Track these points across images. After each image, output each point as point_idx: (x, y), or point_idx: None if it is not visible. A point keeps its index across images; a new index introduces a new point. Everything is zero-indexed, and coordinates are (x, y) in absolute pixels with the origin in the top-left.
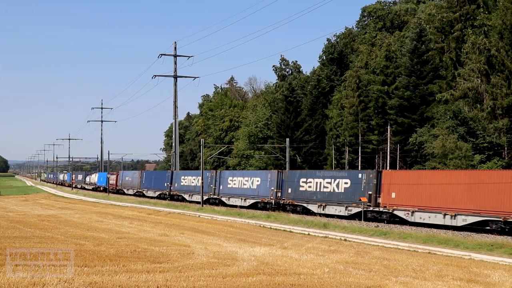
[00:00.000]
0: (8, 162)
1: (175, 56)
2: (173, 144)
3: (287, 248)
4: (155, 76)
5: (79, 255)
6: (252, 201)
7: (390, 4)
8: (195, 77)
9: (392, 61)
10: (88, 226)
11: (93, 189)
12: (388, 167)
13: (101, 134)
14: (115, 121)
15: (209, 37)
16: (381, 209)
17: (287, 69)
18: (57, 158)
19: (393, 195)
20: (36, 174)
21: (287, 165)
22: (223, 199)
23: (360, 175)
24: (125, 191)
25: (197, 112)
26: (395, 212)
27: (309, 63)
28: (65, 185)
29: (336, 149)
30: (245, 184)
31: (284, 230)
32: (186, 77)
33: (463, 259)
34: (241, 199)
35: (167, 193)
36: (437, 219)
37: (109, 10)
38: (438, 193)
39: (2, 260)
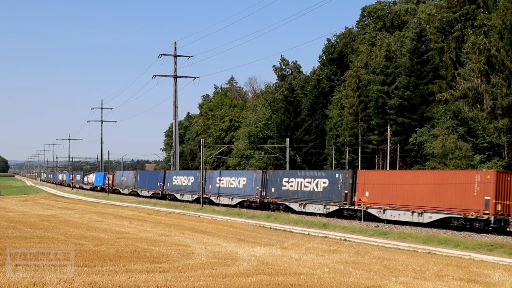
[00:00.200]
0: (8, 162)
1: (175, 56)
2: (173, 144)
3: (287, 248)
4: (155, 76)
5: (79, 255)
6: (238, 200)
7: (390, 4)
8: (195, 77)
9: (392, 61)
10: (88, 226)
11: (90, 189)
12: (388, 167)
13: (101, 134)
14: (115, 121)
15: (209, 37)
16: (356, 207)
17: (287, 69)
18: (57, 158)
19: (367, 193)
20: (36, 174)
21: (287, 165)
22: (212, 198)
23: (337, 175)
24: (121, 190)
25: (197, 112)
26: (369, 210)
27: (309, 63)
28: (64, 185)
29: (336, 149)
30: (232, 184)
31: (284, 230)
32: (186, 77)
33: (463, 259)
34: (229, 198)
35: (160, 192)
36: (406, 216)
37: (109, 10)
38: (407, 192)
39: (2, 260)
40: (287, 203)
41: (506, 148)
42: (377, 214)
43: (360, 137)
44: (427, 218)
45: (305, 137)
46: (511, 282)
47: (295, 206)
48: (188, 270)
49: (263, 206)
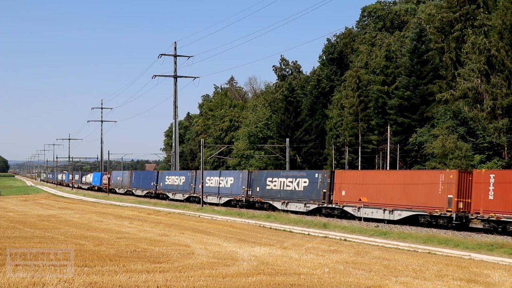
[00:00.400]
0: (8, 162)
1: (175, 56)
2: (173, 144)
3: (287, 248)
4: (155, 76)
5: (79, 255)
6: (226, 199)
7: (390, 4)
8: (195, 77)
9: (392, 61)
10: (88, 226)
11: (88, 188)
12: (388, 167)
13: (101, 134)
14: (115, 121)
15: (209, 37)
16: (333, 205)
17: (287, 69)
18: (57, 158)
19: (343, 193)
20: (36, 174)
21: (287, 165)
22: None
23: (316, 175)
24: (117, 190)
25: (197, 112)
26: (345, 208)
27: (309, 63)
28: (63, 185)
29: (336, 149)
30: (221, 183)
31: (284, 230)
32: (186, 77)
33: (463, 259)
34: (217, 197)
35: (153, 192)
36: (378, 214)
37: (109, 10)
38: (380, 192)
39: (2, 260)
40: (270, 202)
41: (506, 148)
42: (352, 212)
43: (360, 137)
44: (397, 215)
45: (305, 137)
46: (511, 282)
47: (278, 204)
48: (188, 270)
49: (249, 204)
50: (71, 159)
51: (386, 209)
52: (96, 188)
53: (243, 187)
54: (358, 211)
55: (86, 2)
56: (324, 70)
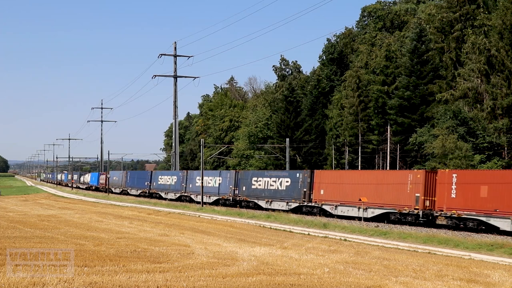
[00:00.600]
0: (8, 162)
1: (175, 56)
2: (173, 144)
3: (287, 248)
4: (155, 76)
5: (79, 255)
6: (214, 198)
7: (390, 4)
8: (195, 77)
9: (392, 61)
10: (88, 226)
11: (86, 188)
12: (388, 167)
13: (101, 134)
14: (115, 121)
15: (209, 37)
16: (313, 204)
17: (287, 69)
18: (57, 158)
19: (322, 192)
20: (36, 174)
21: (287, 165)
22: (192, 196)
23: (298, 175)
24: (113, 189)
25: (197, 112)
26: (323, 207)
27: (309, 63)
28: (62, 185)
29: (336, 149)
30: (209, 183)
31: (284, 230)
32: (186, 77)
33: (463, 259)
34: (206, 196)
35: (147, 191)
36: (353, 212)
37: (109, 10)
38: (355, 191)
39: (2, 260)
40: (255, 201)
41: (506, 148)
42: (330, 210)
43: (360, 137)
44: (370, 213)
45: (305, 137)
46: (511, 282)
47: (262, 203)
48: (188, 270)
49: (236, 203)
50: (71, 159)
51: (360, 208)
52: (93, 188)
53: (231, 186)
54: (336, 209)
55: (86, 2)
56: (324, 70)
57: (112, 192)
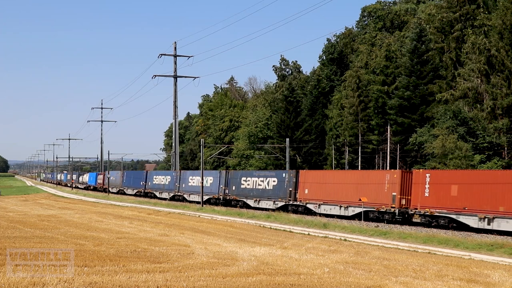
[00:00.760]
0: (8, 162)
1: (175, 56)
2: (173, 144)
3: (287, 248)
4: (155, 76)
5: (79, 255)
6: (206, 197)
7: (390, 4)
8: (195, 77)
9: (392, 61)
10: (88, 226)
11: (84, 188)
12: (388, 167)
13: (101, 134)
14: (115, 121)
15: (209, 37)
16: (298, 203)
17: (287, 69)
18: (57, 158)
19: (306, 191)
20: (36, 174)
21: (287, 165)
22: (185, 195)
23: (284, 175)
24: (110, 189)
25: (197, 112)
26: (308, 205)
27: (309, 63)
28: (62, 185)
29: (336, 149)
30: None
31: (284, 230)
32: (186, 77)
33: (463, 259)
34: (198, 195)
35: (142, 191)
36: (335, 210)
37: (109, 10)
38: (336, 190)
39: (2, 260)
40: (244, 200)
41: (506, 148)
42: (314, 209)
43: (360, 137)
44: (351, 211)
45: (305, 137)
46: (511, 282)
47: (251, 202)
48: (188, 270)
49: (226, 202)
50: (71, 159)
51: (342, 206)
52: (92, 187)
53: (221, 186)
54: (319, 207)
55: (86, 2)
56: (324, 70)
57: (109, 192)
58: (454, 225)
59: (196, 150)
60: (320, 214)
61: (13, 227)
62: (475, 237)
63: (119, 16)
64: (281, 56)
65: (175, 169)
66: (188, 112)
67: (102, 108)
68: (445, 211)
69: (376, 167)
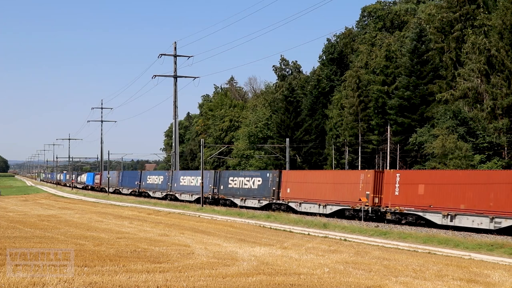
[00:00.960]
0: (8, 162)
1: (175, 56)
2: (173, 144)
3: (287, 248)
4: (155, 76)
5: (79, 255)
6: (196, 196)
7: (390, 4)
8: (195, 77)
9: (392, 61)
10: (88, 226)
11: (83, 188)
12: (388, 167)
13: (101, 134)
14: (115, 121)
15: (209, 37)
16: (281, 201)
17: (287, 69)
18: (57, 158)
19: (288, 190)
20: (36, 174)
21: (287, 165)
22: (176, 195)
23: (268, 174)
24: (107, 189)
25: (197, 112)
26: (290, 204)
27: (309, 63)
28: (61, 184)
29: (336, 149)
30: (192, 182)
31: (284, 230)
32: (186, 77)
33: (463, 259)
34: (189, 194)
35: (137, 190)
36: (315, 208)
37: (109, 10)
38: (316, 189)
39: (2, 260)
40: (232, 199)
41: (506, 148)
42: (295, 207)
43: (360, 137)
44: (329, 209)
45: (305, 137)
46: (511, 282)
47: (237, 201)
48: (188, 270)
49: (215, 201)
50: (71, 159)
51: (321, 204)
52: (89, 187)
53: (210, 185)
54: (300, 206)
55: (86, 2)
56: (324, 70)
57: (106, 191)
58: (423, 222)
59: (196, 150)
60: (301, 212)
61: (13, 227)
62: (475, 237)
63: (119, 16)
64: (281, 56)
65: (175, 169)
66: (188, 112)
67: (102, 108)
68: (413, 208)
69: (376, 167)
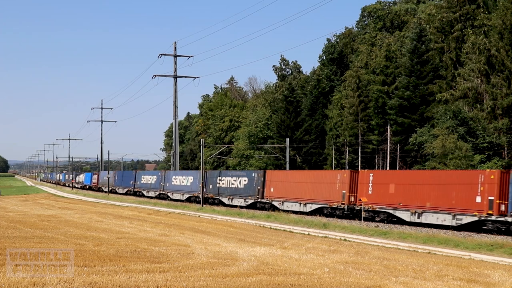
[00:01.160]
0: (8, 162)
1: (175, 56)
2: (173, 144)
3: (287, 248)
4: (155, 76)
5: (79, 255)
6: (187, 195)
7: (390, 4)
8: (195, 77)
9: (392, 61)
10: (88, 226)
11: (81, 187)
12: (388, 167)
13: (101, 134)
14: (115, 121)
15: (209, 37)
16: (265, 200)
17: (287, 69)
18: (57, 158)
19: (272, 189)
20: (36, 174)
21: (287, 165)
22: (168, 194)
23: (253, 174)
24: (103, 188)
25: (197, 112)
26: (273, 203)
27: (309, 63)
28: (60, 184)
29: (336, 149)
30: (183, 182)
31: (284, 230)
32: (186, 77)
33: (463, 259)
34: (181, 194)
35: (132, 189)
36: (296, 206)
37: (108, 10)
38: (297, 188)
39: (2, 260)
40: (220, 198)
41: (506, 148)
42: (278, 206)
43: (360, 137)
44: (309, 208)
45: (305, 137)
46: (511, 282)
47: (225, 200)
48: (188, 270)
49: (204, 200)
50: (71, 159)
51: (301, 203)
52: (87, 187)
53: (200, 185)
54: (282, 204)
55: (86, 2)
56: (324, 70)
57: (102, 191)
58: (394, 219)
59: (196, 150)
60: (283, 210)
61: (13, 227)
62: (475, 237)
63: (119, 16)
64: (281, 56)
65: (175, 169)
66: (188, 112)
67: (102, 108)
68: (385, 207)
69: (376, 167)
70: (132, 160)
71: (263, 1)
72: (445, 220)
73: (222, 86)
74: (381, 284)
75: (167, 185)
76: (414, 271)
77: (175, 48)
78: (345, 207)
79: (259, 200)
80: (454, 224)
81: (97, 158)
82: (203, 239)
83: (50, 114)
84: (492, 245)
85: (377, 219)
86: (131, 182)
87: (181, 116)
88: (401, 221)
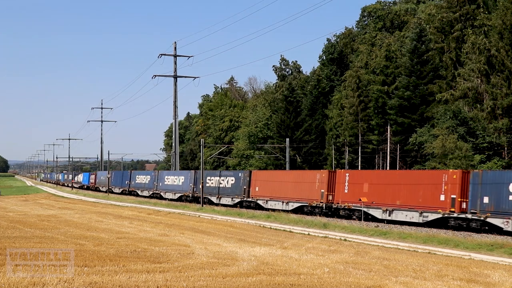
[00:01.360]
0: (8, 162)
1: (175, 56)
2: (173, 144)
3: (287, 248)
4: (155, 76)
5: (79, 255)
6: (179, 194)
7: (390, 4)
8: (195, 77)
9: (392, 61)
10: (88, 226)
11: (79, 187)
12: (388, 167)
13: (101, 134)
14: (115, 121)
15: (209, 37)
16: (250, 199)
17: (287, 69)
18: (57, 158)
19: (257, 189)
20: (36, 174)
21: (287, 165)
22: (161, 193)
23: (240, 174)
24: (100, 188)
25: (197, 112)
26: (258, 201)
27: (309, 63)
28: (59, 184)
29: (336, 149)
30: (175, 182)
31: (284, 230)
32: (186, 77)
33: (463, 259)
34: (173, 193)
35: (127, 189)
36: (279, 205)
37: (108, 10)
38: (280, 187)
39: (2, 260)
40: (209, 197)
41: (506, 148)
42: (262, 204)
43: (360, 137)
44: (290, 206)
45: (305, 137)
46: (511, 282)
47: (214, 199)
48: (188, 270)
49: (194, 199)
50: (71, 159)
51: (284, 201)
52: (85, 186)
53: (190, 184)
54: (267, 203)
55: (86, 2)
56: (324, 70)
57: (100, 191)
58: (370, 216)
59: (196, 150)
60: (267, 209)
61: (13, 227)
62: (475, 237)
63: (119, 17)
64: (281, 56)
65: (175, 169)
66: (188, 112)
67: (102, 108)
68: (359, 205)
69: (376, 167)
70: (132, 160)
71: (263, 1)
72: (413, 217)
73: (222, 86)
74: (381, 284)
75: (160, 184)
76: (414, 271)
77: (175, 48)
78: (324, 206)
79: (245, 199)
80: (421, 221)
81: (97, 158)
82: (203, 239)
83: (50, 114)
84: (492, 245)
85: (354, 216)
86: (126, 182)
87: (181, 116)
88: (374, 219)
